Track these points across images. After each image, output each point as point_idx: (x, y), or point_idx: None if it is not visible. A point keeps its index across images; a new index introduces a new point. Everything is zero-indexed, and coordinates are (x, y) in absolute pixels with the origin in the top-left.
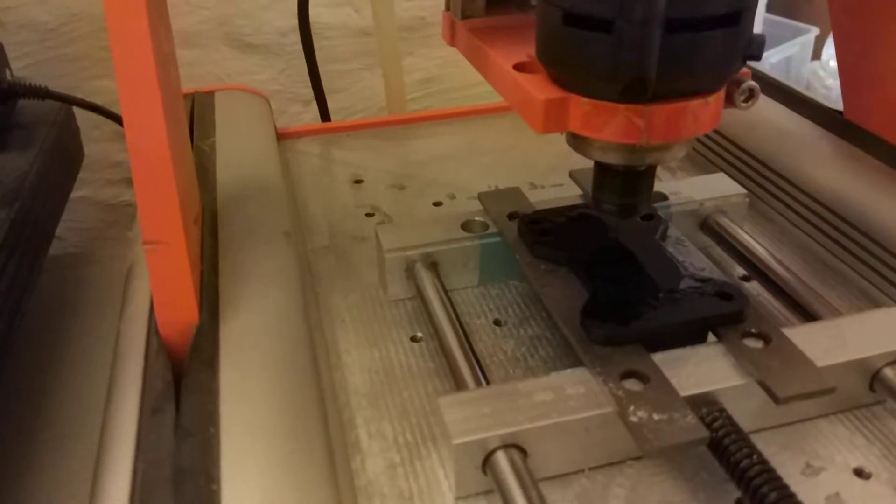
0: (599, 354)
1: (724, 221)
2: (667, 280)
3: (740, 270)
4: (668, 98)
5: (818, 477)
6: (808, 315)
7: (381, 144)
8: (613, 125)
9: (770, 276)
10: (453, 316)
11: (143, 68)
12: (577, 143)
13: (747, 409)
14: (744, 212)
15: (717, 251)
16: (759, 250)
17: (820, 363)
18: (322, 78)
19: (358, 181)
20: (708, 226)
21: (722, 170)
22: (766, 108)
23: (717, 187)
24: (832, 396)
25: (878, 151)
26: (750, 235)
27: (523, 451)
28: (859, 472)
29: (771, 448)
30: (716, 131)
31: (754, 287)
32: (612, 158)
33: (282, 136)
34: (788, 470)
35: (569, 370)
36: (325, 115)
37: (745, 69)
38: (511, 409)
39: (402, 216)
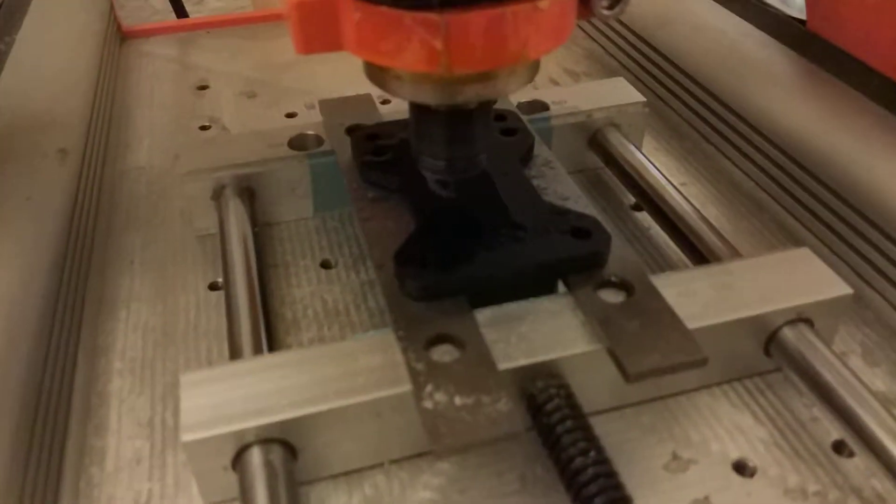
0: (410, 312)
1: (616, 137)
2: (513, 213)
3: (632, 199)
4: (476, 2)
5: (685, 474)
6: (702, 256)
7: (241, 44)
8: (399, 45)
9: (661, 205)
10: (251, 257)
11: None
12: (370, 71)
13: (602, 381)
14: (641, 124)
15: (607, 174)
16: (654, 173)
17: (694, 323)
18: None
19: (202, 87)
20: (597, 142)
21: (654, 92)
22: (708, 12)
23: (611, 95)
24: (715, 364)
25: (845, 71)
26: (644, 155)
27: (291, 448)
28: (740, 467)
29: (632, 432)
30: (635, 34)
31: (645, 219)
32: (413, 94)
33: (128, 36)
34: (650, 463)
35: (371, 332)
36: (179, 10)
37: None
38: (276, 390)
39: (243, 129)
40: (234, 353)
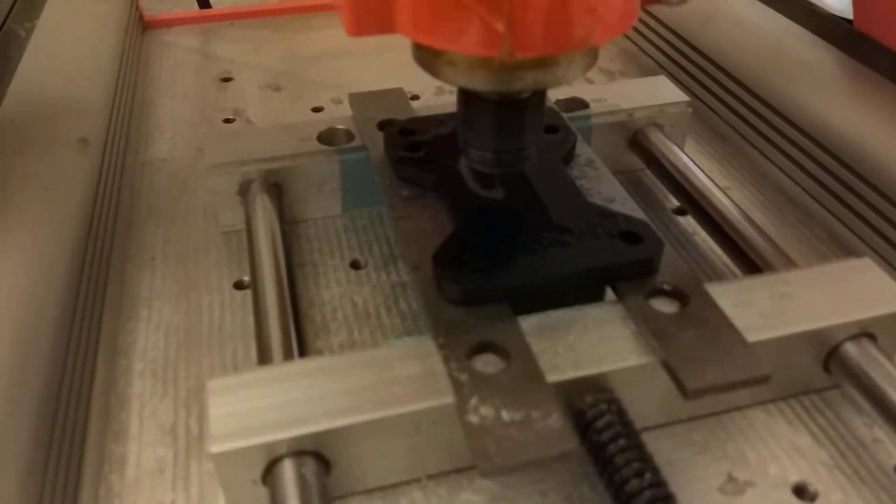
0: (449, 318)
1: (658, 137)
2: (558, 215)
3: (675, 202)
4: None
5: (742, 497)
6: (752, 264)
7: (267, 36)
8: (458, 27)
9: (708, 209)
10: (280, 256)
11: None
12: (421, 55)
13: (652, 396)
14: (685, 125)
15: (648, 176)
16: (699, 175)
17: (754, 336)
18: None
19: (226, 79)
20: (638, 143)
21: (693, 93)
22: (750, 9)
23: (653, 93)
24: (771, 380)
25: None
26: (689, 156)
27: (324, 460)
28: (801, 491)
29: (683, 451)
30: (672, 32)
31: (689, 223)
32: (467, 81)
33: (150, 26)
34: (704, 484)
35: (408, 338)
36: (202, 0)
37: None
38: (309, 399)
39: (268, 123)
40: (263, 358)
